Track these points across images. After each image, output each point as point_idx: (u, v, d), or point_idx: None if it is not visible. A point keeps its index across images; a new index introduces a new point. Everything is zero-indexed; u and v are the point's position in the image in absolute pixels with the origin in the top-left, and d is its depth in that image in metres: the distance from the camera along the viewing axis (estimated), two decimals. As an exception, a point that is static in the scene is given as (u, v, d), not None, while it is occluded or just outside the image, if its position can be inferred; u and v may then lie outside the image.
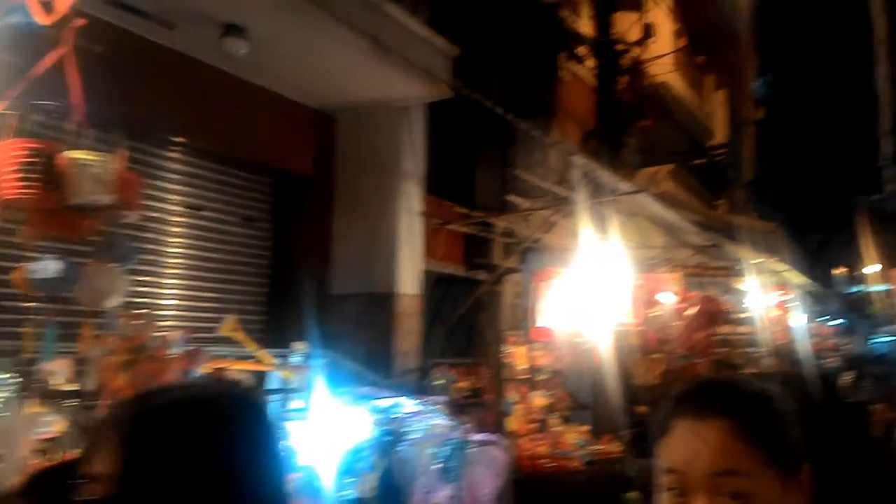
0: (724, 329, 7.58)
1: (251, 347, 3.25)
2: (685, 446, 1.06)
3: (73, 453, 2.15)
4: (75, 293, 2.62)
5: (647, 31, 9.62)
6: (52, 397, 2.50)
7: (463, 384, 5.48)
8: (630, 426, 6.02)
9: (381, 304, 5.50)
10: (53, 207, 2.53)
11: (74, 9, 2.64)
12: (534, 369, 6.41)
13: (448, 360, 5.72)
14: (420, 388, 4.88)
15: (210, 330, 3.66)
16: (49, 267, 2.54)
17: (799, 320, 9.57)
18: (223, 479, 0.88)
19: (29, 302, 2.63)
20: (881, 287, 13.57)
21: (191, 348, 2.68)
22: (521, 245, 6.67)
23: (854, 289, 17.08)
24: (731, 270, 8.10)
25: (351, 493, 3.15)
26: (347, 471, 3.14)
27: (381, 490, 3.28)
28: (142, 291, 4.31)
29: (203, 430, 0.89)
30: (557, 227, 6.65)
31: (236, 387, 1.04)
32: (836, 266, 17.46)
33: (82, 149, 2.62)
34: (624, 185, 6.57)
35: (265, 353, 3.27)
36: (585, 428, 6.25)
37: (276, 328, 5.14)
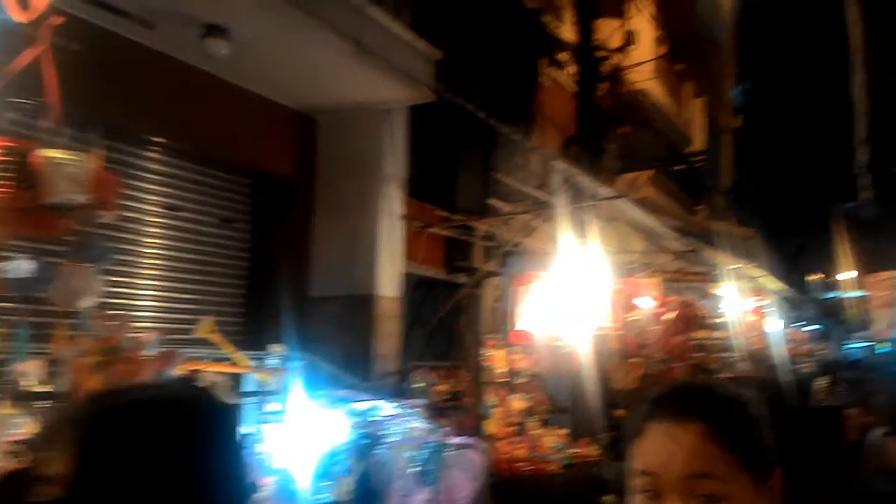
0: (702, 334, 7.66)
1: (228, 349, 3.23)
2: (659, 449, 1.07)
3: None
4: (49, 293, 2.59)
5: (629, 39, 9.72)
6: (23, 398, 2.46)
7: (442, 387, 5.49)
8: (608, 430, 6.06)
9: (360, 306, 5.49)
10: (28, 206, 2.50)
11: (52, 6, 2.62)
12: (513, 373, 6.43)
13: (427, 364, 5.72)
14: (399, 391, 4.88)
15: (186, 331, 3.63)
16: (22, 266, 2.51)
17: (775, 325, 9.69)
18: (179, 481, 0.87)
19: (1, 301, 2.60)
20: (856, 293, 13.76)
21: (165, 350, 2.66)
22: (501, 249, 6.70)
23: (829, 295, 17.32)
24: (709, 276, 8.18)
25: (327, 497, 3.14)
26: (324, 474, 3.13)
27: (358, 493, 3.27)
28: (117, 292, 4.26)
29: (160, 432, 0.88)
30: (538, 231, 6.69)
31: (199, 388, 1.03)
32: (812, 272, 17.68)
33: (58, 147, 2.59)
34: (604, 191, 6.63)
35: (242, 356, 3.25)
36: (564, 431, 6.28)
37: (254, 330, 5.11)
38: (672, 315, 7.17)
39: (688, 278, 8.42)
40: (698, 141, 14.90)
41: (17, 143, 2.55)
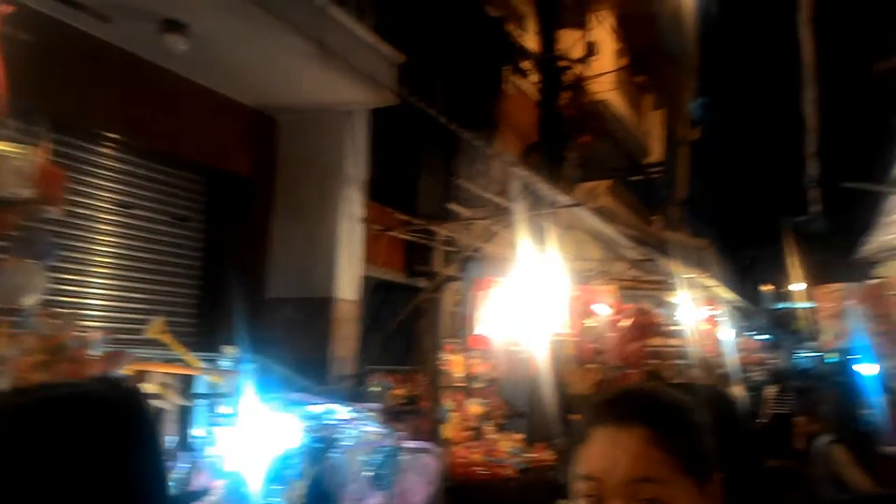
0: (656, 341, 7.77)
1: (179, 350, 3.16)
2: (603, 454, 1.07)
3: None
4: (-10, 289, 2.50)
5: (590, 50, 9.86)
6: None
7: (399, 391, 5.47)
8: (564, 435, 6.10)
9: (318, 309, 5.44)
10: (-31, 199, 2.42)
11: (0, -7, 2.54)
12: (470, 377, 6.43)
13: (385, 367, 5.69)
14: (355, 395, 4.84)
15: (137, 331, 3.55)
16: (-38, 261, 2.42)
17: (727, 334, 9.89)
18: (86, 481, 0.83)
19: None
20: (806, 304, 14.13)
21: (112, 349, 2.59)
22: (461, 253, 6.71)
23: (780, 305, 17.79)
24: (664, 284, 8.32)
25: (279, 501, 3.09)
26: (275, 478, 3.08)
27: (311, 497, 3.23)
28: (65, 290, 4.15)
29: (68, 431, 0.85)
30: (498, 236, 6.72)
31: (120, 388, 0.98)
32: (764, 283, 18.14)
33: (3, 140, 2.51)
34: (563, 199, 6.69)
35: (193, 357, 3.18)
36: (520, 436, 6.31)
37: (207, 331, 5.02)
38: (628, 322, 7.26)
39: (644, 286, 8.55)
40: (656, 152, 15.19)
41: (-40, 133, 2.46)
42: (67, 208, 3.03)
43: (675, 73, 15.15)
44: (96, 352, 2.52)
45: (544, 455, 5.95)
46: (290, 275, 5.53)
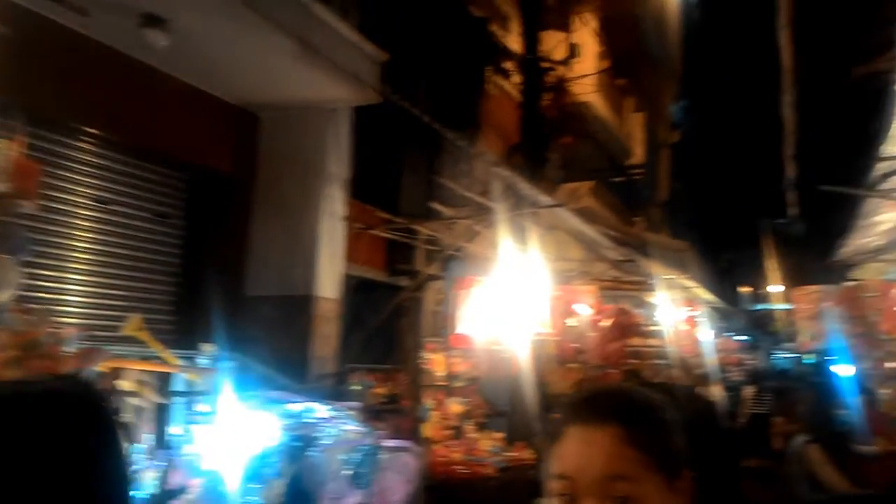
0: (636, 341, 7.80)
1: (156, 348, 3.13)
2: (576, 453, 1.08)
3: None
4: (-37, 284, 2.46)
5: (573, 51, 9.92)
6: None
7: (380, 390, 5.44)
8: (544, 434, 6.10)
9: (299, 307, 5.41)
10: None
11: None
12: (451, 376, 6.43)
13: (366, 366, 5.67)
14: (336, 394, 4.82)
15: (114, 328, 3.50)
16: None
17: (706, 335, 9.97)
18: (37, 480, 0.81)
19: None
20: (783, 306, 14.29)
21: (87, 346, 2.55)
22: (443, 253, 6.71)
23: (759, 307, 18.00)
24: (645, 285, 8.37)
25: (257, 500, 3.07)
26: (253, 476, 3.06)
27: (289, 496, 3.21)
28: (41, 286, 4.09)
29: (16, 429, 0.83)
30: (480, 236, 6.72)
31: (80, 385, 0.95)
32: (743, 285, 18.34)
33: (-23, 132, 2.47)
34: (545, 199, 6.71)
35: (170, 354, 3.15)
36: (500, 435, 6.31)
37: (187, 329, 4.98)
38: (608, 322, 7.30)
39: (624, 287, 8.60)
40: (638, 154, 15.30)
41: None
42: (44, 203, 2.99)
43: (656, 77, 15.27)
44: (71, 348, 2.48)
45: (524, 454, 5.96)
46: (271, 272, 5.49)
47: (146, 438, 2.92)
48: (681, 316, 9.11)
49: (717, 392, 7.96)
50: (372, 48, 5.24)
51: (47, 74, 4.00)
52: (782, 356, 12.28)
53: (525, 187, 6.49)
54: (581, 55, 10.28)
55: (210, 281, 4.93)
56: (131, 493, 0.90)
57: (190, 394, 3.15)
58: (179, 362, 3.17)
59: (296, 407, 3.51)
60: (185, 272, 5.25)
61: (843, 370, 5.80)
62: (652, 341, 8.08)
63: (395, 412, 5.30)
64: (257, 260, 5.55)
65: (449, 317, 6.53)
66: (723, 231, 19.22)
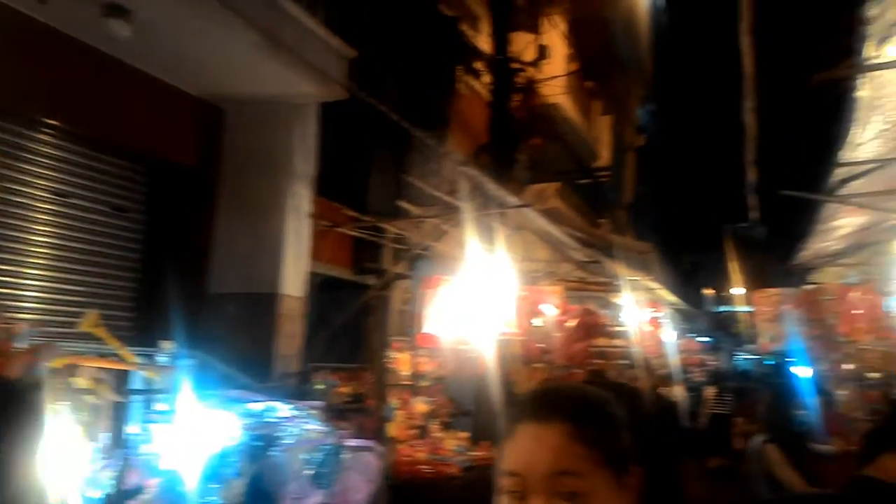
0: (602, 341, 7.87)
1: (113, 344, 3.05)
2: (525, 450, 1.09)
3: None
4: None
5: (542, 53, 9.97)
6: None
7: (345, 389, 5.40)
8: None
9: (262, 304, 5.34)
10: None
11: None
12: (417, 375, 6.41)
13: (330, 365, 5.62)
14: (299, 393, 4.76)
15: (71, 324, 3.41)
16: None
17: (670, 336, 10.12)
18: None
19: None
20: (745, 308, 14.56)
21: (39, 342, 2.47)
22: (410, 251, 6.69)
23: (721, 309, 18.34)
24: (610, 286, 8.46)
25: (216, 500, 3.01)
26: (212, 476, 3.00)
27: (250, 496, 3.16)
28: (-6, 281, 3.97)
29: None
30: (447, 235, 6.72)
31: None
32: (706, 287, 18.67)
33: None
34: (512, 199, 6.74)
35: (128, 352, 3.07)
36: (465, 434, 6.31)
37: (146, 325, 4.88)
38: (574, 322, 7.35)
39: (589, 288, 8.68)
40: (604, 157, 15.45)
41: None
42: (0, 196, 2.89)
43: (623, 80, 15.44)
44: (22, 344, 2.40)
45: (489, 453, 5.96)
46: (234, 269, 5.41)
47: (102, 437, 2.84)
48: (645, 317, 9.23)
49: (679, 392, 8.07)
50: (339, 44, 5.20)
51: (4, 64, 3.88)
52: (743, 357, 12.50)
53: (493, 187, 6.50)
54: (550, 57, 10.33)
55: (171, 277, 4.83)
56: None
57: (148, 392, 3.08)
58: (137, 360, 3.10)
59: (257, 406, 3.46)
60: (144, 267, 5.14)
61: (802, 372, 5.93)
62: (616, 342, 8.17)
63: (359, 411, 5.27)
64: (221, 256, 5.46)
65: (415, 316, 6.51)
66: (686, 234, 19.56)
